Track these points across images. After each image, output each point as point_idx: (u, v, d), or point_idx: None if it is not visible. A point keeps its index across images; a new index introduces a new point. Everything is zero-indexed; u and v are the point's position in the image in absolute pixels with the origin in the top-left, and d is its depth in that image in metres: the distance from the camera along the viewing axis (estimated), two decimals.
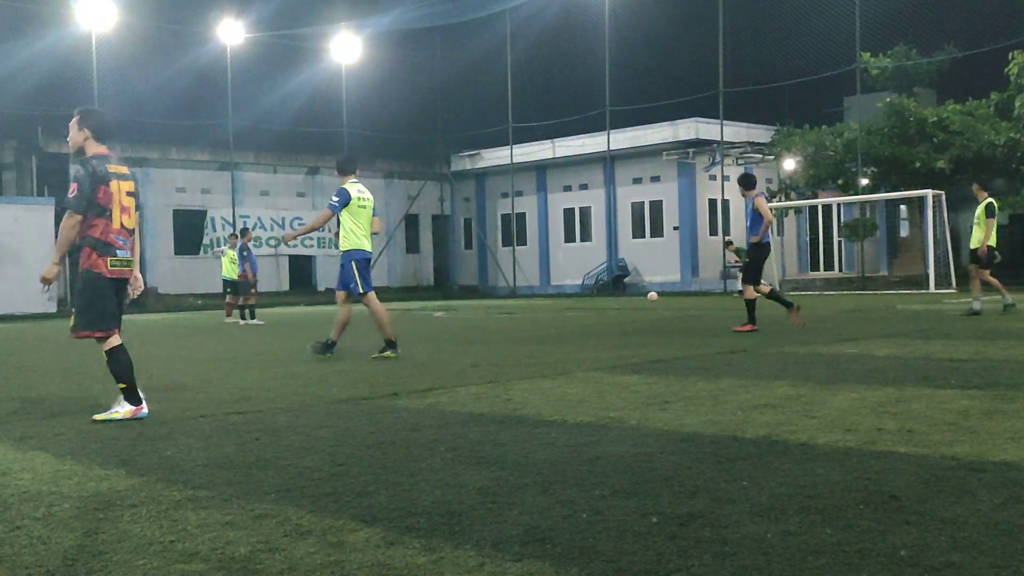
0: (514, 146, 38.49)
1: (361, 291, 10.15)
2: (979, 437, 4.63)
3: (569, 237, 39.77)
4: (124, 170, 6.20)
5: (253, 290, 20.88)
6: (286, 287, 37.31)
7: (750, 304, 12.52)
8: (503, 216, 41.78)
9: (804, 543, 3.00)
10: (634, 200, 37.29)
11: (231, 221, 34.79)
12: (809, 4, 32.00)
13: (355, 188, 10.17)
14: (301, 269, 39.21)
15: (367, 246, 10.22)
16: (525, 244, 40.63)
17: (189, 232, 36.27)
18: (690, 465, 4.21)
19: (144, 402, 6.15)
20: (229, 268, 21.54)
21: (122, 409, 6.04)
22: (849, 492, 3.63)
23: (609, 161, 36.77)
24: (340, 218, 10.08)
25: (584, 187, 39.07)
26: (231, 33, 34.65)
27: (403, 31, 39.46)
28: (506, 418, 5.70)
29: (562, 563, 2.89)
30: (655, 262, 36.32)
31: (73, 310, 6.10)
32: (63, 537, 3.33)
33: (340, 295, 10.36)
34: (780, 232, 36.42)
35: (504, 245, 41.47)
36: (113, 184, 6.05)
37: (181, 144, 36.15)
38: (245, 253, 20.79)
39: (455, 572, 2.84)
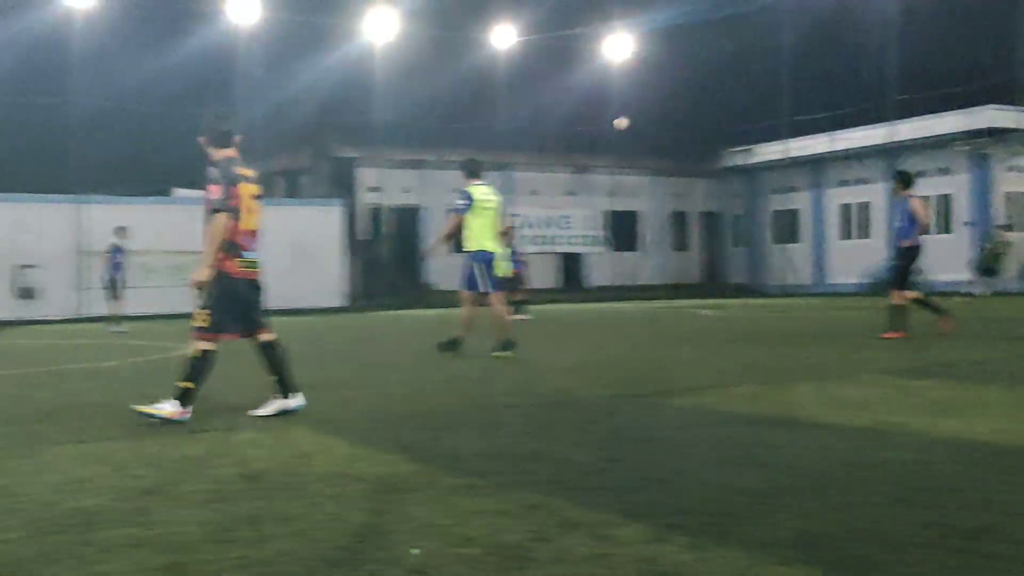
0: (788, 140, 37.27)
1: (482, 290, 10.46)
2: None
3: (845, 234, 38.03)
4: (250, 172, 6.15)
5: (521, 286, 21.49)
6: (558, 284, 38.03)
7: (897, 310, 11.49)
8: (775, 212, 40.61)
9: None
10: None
11: None
12: None
13: (479, 190, 10.49)
14: (571, 267, 39.85)
15: (491, 247, 10.46)
16: (798, 241, 39.28)
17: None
18: (980, 476, 3.94)
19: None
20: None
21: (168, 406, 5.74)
22: None
23: (894, 153, 34.79)
24: (465, 219, 10.38)
25: (862, 182, 37.21)
26: (504, 37, 35.95)
27: (674, 25, 39.16)
28: (778, 420, 5.55)
29: (834, 571, 2.79)
30: (941, 260, 33.92)
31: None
32: (354, 516, 3.58)
33: (464, 295, 10.62)
34: None
35: (775, 242, 40.31)
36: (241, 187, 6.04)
37: (455, 146, 37.75)
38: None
39: (721, 572, 2.81)
